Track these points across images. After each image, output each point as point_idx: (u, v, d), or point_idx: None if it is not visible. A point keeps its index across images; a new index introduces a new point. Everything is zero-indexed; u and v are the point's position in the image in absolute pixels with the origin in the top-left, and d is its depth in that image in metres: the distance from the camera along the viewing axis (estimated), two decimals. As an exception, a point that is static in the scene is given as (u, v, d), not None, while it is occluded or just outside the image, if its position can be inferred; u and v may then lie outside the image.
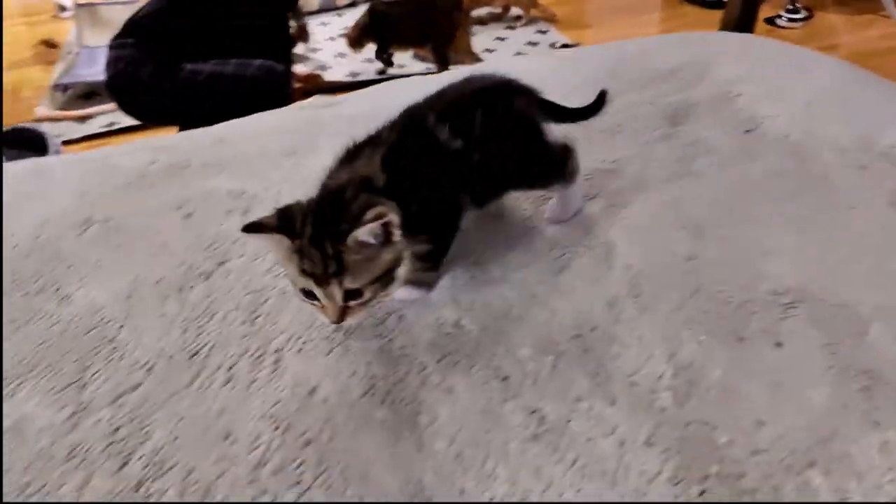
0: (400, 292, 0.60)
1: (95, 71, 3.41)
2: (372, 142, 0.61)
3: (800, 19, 2.71)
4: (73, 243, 0.74)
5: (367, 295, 0.53)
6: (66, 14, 4.30)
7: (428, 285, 0.64)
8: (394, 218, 0.51)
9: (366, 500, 0.47)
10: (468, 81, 0.68)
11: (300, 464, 0.50)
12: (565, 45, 2.82)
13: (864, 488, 0.46)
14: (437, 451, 0.50)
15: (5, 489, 0.50)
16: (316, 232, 0.52)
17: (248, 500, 0.48)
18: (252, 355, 0.60)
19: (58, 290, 0.68)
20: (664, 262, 0.66)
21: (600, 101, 0.74)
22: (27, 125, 3.05)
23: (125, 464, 0.51)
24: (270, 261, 0.69)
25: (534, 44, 2.92)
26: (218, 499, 0.48)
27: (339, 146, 0.61)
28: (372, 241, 0.52)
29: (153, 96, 1.66)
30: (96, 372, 0.59)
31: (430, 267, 0.63)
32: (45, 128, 2.46)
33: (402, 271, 0.55)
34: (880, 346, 0.56)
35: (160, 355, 0.60)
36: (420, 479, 0.48)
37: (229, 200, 0.78)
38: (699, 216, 0.72)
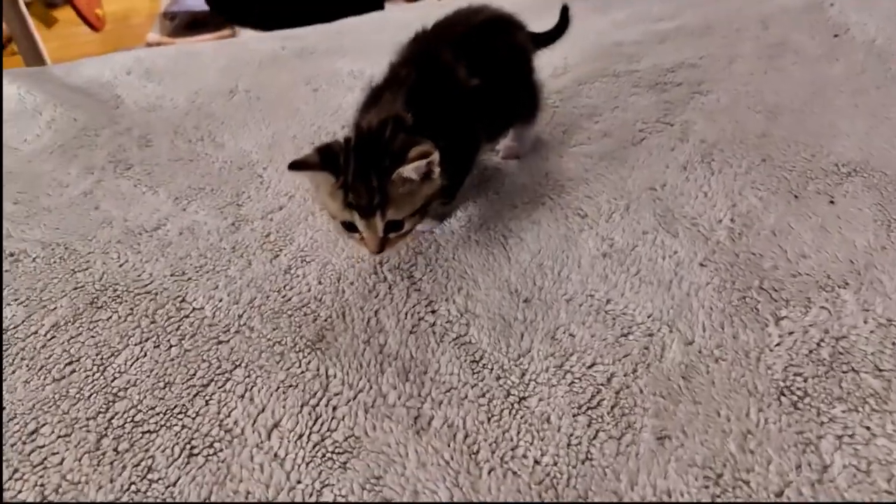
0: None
1: (201, 1, 3.66)
2: (392, 82, 0.64)
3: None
4: (222, 106, 0.91)
5: (406, 226, 0.59)
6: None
7: (442, 217, 0.69)
8: (436, 157, 0.56)
9: (453, 290, 0.61)
10: (471, 14, 0.71)
11: (412, 265, 0.64)
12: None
13: (887, 306, 0.54)
14: (521, 261, 0.63)
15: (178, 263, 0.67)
16: (361, 168, 0.56)
17: (370, 286, 0.62)
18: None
19: (214, 139, 0.85)
20: (737, 137, 0.74)
21: (564, 20, 0.78)
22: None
23: (276, 256, 0.67)
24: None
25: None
26: (347, 283, 0.63)
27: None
28: (414, 176, 0.57)
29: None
30: (248, 196, 0.75)
31: (447, 201, 0.67)
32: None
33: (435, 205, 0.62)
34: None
35: (298, 188, 0.76)
36: (507, 278, 0.61)
37: (350, 79, 0.92)
38: (776, 102, 0.79)
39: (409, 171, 0.56)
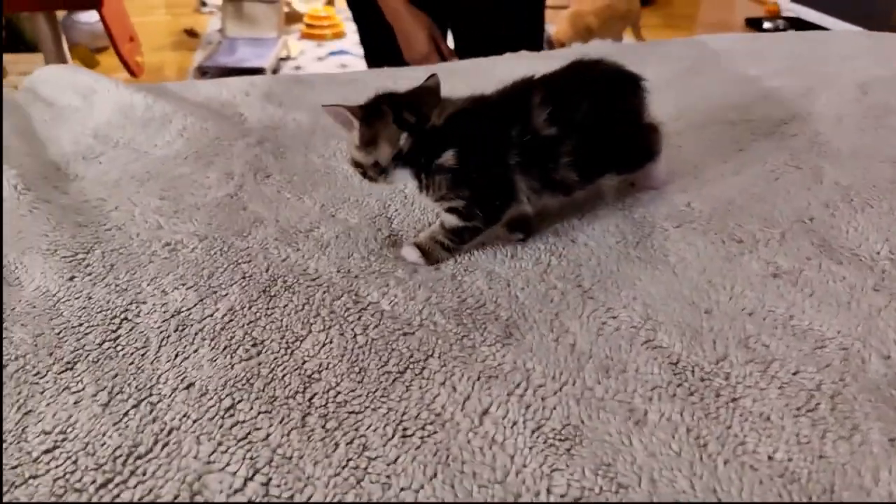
0: (407, 250, 0.68)
1: (234, 59, 3.86)
2: (473, 101, 0.68)
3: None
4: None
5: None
6: (206, 9, 4.86)
7: (431, 261, 0.68)
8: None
9: (628, 300, 0.63)
10: (586, 67, 0.73)
11: (578, 276, 0.66)
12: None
13: None
14: (689, 277, 0.65)
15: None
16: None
17: (542, 292, 0.64)
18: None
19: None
20: (869, 182, 0.80)
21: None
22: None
23: (437, 268, 0.69)
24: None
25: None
26: (518, 288, 0.65)
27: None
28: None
29: None
30: (396, 210, 0.78)
31: (453, 242, 0.68)
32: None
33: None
34: None
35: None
36: (681, 291, 0.63)
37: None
38: (894, 153, 0.85)
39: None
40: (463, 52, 1.33)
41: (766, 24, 4.08)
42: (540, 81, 0.70)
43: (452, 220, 0.68)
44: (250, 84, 1.10)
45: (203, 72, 3.76)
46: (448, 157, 0.64)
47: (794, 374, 0.54)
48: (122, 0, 2.95)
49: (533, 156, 0.66)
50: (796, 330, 0.59)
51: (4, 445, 0.48)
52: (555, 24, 3.75)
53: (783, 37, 1.44)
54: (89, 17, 3.53)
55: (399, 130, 0.65)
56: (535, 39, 1.36)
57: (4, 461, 0.47)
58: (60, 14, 3.35)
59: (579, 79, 0.72)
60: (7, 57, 3.12)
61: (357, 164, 0.68)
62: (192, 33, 4.42)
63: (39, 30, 2.53)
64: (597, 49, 1.28)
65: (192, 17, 4.77)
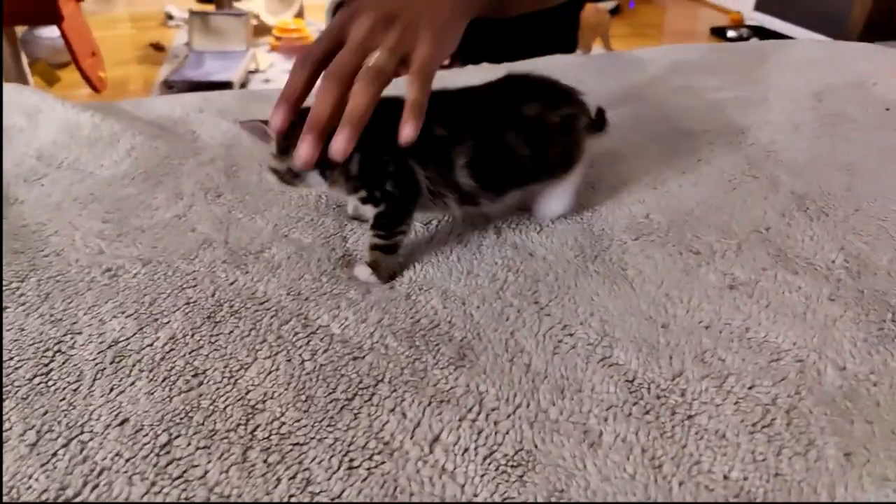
0: (360, 269, 0.68)
1: (202, 72, 3.81)
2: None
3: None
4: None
5: None
6: (172, 22, 4.80)
7: (383, 274, 0.67)
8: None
9: (585, 316, 0.62)
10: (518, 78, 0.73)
11: (535, 292, 0.65)
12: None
13: None
14: (647, 292, 0.65)
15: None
16: None
17: (498, 310, 0.63)
18: (479, 231, 0.76)
19: (302, 174, 0.87)
20: (824, 190, 0.80)
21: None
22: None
23: (391, 287, 0.67)
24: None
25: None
26: (473, 307, 0.63)
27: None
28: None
29: None
30: (352, 230, 0.76)
31: (382, 238, 0.67)
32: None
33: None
34: None
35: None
36: (638, 306, 0.63)
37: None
38: (850, 162, 0.86)
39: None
40: (497, 55, 1.29)
41: (731, 33, 4.18)
42: (461, 89, 0.71)
43: (369, 210, 0.69)
44: (204, 100, 1.07)
45: (169, 86, 3.71)
46: None
47: (750, 388, 0.53)
48: (83, 14, 2.90)
49: (427, 153, 0.66)
50: (752, 343, 0.58)
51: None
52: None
53: (740, 47, 1.46)
54: (50, 32, 3.46)
55: None
56: (569, 43, 1.36)
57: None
58: (20, 29, 3.28)
59: (494, 88, 0.73)
60: (-39, 74, 3.03)
61: (275, 171, 0.70)
62: (158, 47, 4.36)
63: (-2, 45, 2.46)
64: (565, 61, 1.29)
65: (159, 31, 4.71)
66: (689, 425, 0.50)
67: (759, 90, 1.08)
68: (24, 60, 2.79)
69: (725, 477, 0.46)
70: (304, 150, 0.61)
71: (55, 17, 2.68)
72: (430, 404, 0.52)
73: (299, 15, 4.58)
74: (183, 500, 0.45)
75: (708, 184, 0.83)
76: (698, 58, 1.28)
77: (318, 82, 0.64)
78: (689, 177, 0.85)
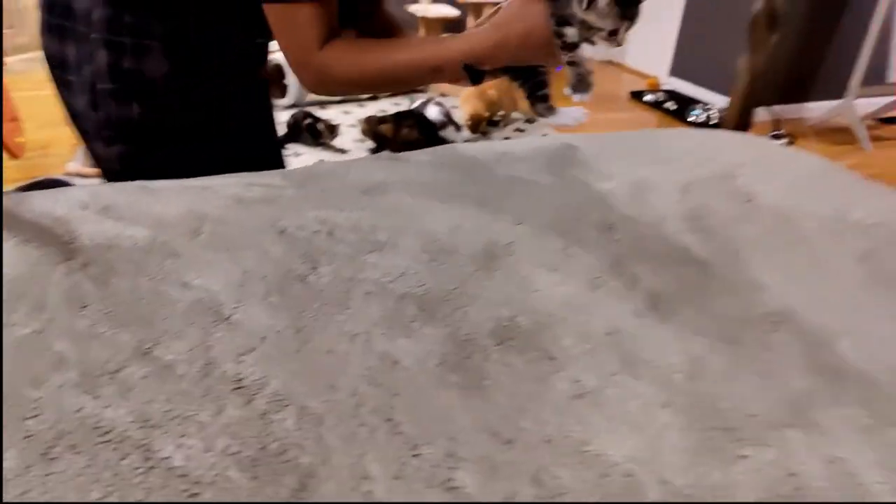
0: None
1: (129, 134, 3.75)
2: None
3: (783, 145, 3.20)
4: (186, 245, 0.93)
5: None
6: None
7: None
8: None
9: (436, 434, 0.63)
10: None
11: (391, 406, 0.66)
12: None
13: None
14: (499, 404, 0.67)
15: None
16: None
17: (352, 430, 0.64)
18: (348, 334, 0.77)
19: (179, 279, 0.87)
20: (680, 286, 0.86)
21: None
22: (58, 177, 3.34)
23: (249, 401, 0.67)
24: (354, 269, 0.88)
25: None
26: (328, 427, 0.64)
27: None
28: None
29: None
30: (219, 338, 0.76)
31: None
32: (74, 181, 2.78)
33: None
34: (846, 354, 0.74)
35: (269, 330, 0.78)
36: (488, 420, 0.65)
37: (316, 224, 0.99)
38: (705, 258, 0.92)
39: None
40: None
41: (648, 97, 4.45)
42: None
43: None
44: (91, 196, 1.06)
45: (94, 149, 3.64)
46: None
47: (578, 509, 0.56)
48: (2, 80, 2.85)
49: None
50: (587, 457, 0.61)
51: None
52: (464, 106, 3.91)
53: (620, 136, 1.55)
54: (-34, 97, 3.37)
55: None
56: None
57: None
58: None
59: None
60: None
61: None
62: (84, 109, 4.27)
63: None
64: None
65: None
66: (514, 555, 0.52)
67: (633, 182, 1.14)
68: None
69: None
70: None
71: (-32, 86, 2.61)
72: (260, 545, 0.52)
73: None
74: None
75: (573, 283, 0.87)
76: (586, 145, 1.35)
77: None
78: (557, 275, 0.89)
